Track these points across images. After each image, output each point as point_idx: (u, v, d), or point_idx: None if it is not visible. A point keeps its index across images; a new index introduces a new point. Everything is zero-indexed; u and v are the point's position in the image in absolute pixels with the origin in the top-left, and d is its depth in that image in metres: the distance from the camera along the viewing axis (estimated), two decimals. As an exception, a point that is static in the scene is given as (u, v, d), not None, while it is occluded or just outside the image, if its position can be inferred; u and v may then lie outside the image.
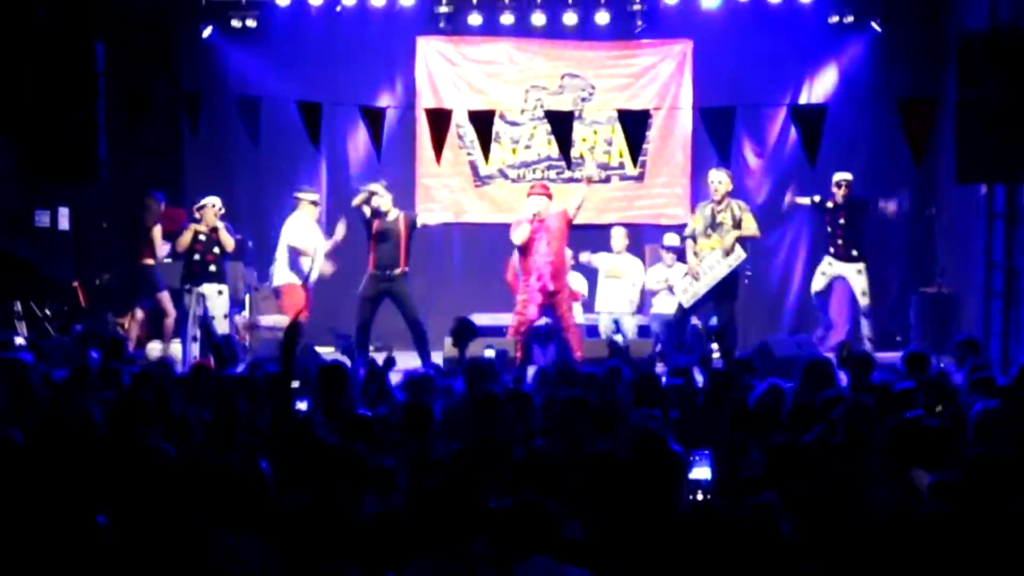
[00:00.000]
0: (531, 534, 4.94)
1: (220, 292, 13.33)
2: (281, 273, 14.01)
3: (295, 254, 13.88)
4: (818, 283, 14.30)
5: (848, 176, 13.94)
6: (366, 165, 15.83)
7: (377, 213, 13.21)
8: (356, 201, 13.32)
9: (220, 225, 13.37)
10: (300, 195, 14.13)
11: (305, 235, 13.87)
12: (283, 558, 5.21)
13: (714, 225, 13.09)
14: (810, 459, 6.50)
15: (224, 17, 15.87)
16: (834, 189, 13.92)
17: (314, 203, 14.02)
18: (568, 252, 13.56)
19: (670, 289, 13.88)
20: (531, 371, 11.95)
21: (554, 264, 12.82)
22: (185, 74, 16.04)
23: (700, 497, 5.23)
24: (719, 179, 13.10)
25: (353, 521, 5.55)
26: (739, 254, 13.04)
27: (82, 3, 15.02)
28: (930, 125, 10.60)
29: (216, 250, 13.32)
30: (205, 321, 12.31)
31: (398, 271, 13.18)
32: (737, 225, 13.05)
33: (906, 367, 9.46)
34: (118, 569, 5.00)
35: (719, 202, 13.10)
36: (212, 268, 13.29)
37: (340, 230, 13.79)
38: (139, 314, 14.48)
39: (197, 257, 13.27)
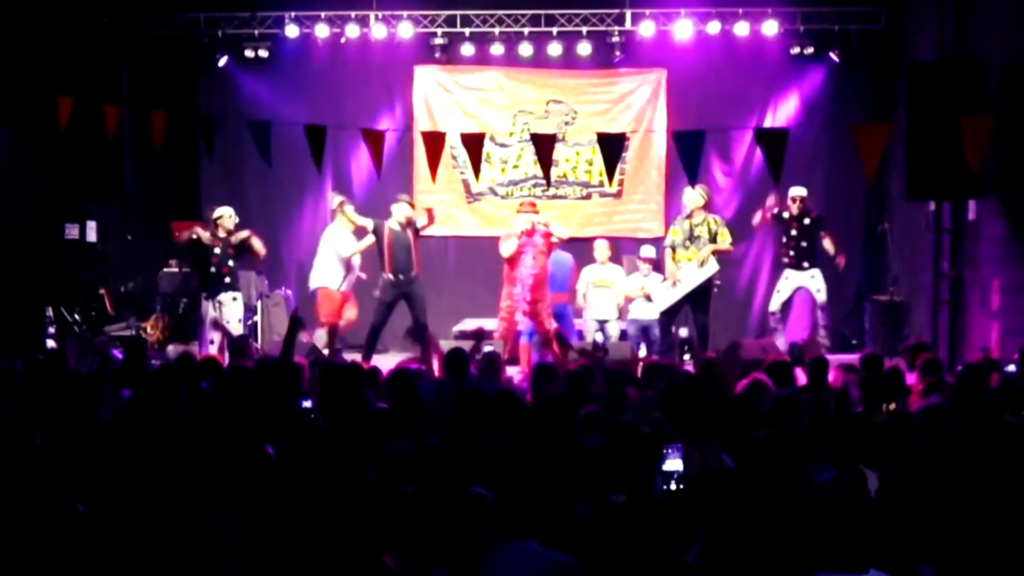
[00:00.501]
0: (518, 520, 5.00)
1: (235, 299, 13.32)
2: (318, 277, 13.99)
3: (345, 262, 13.86)
4: (775, 303, 13.95)
5: (803, 192, 13.82)
6: (367, 182, 15.88)
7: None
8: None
9: (245, 233, 13.25)
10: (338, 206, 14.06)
11: (348, 243, 13.84)
12: (285, 534, 5.21)
13: (692, 238, 13.29)
14: (782, 454, 6.55)
15: (238, 47, 15.93)
16: (789, 203, 13.83)
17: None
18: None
19: (647, 297, 13.93)
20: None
21: (536, 277, 13.00)
22: (202, 99, 16.10)
23: (672, 487, 5.24)
24: (689, 197, 13.30)
25: (355, 501, 5.58)
26: (712, 265, 13.24)
27: (109, 33, 15.13)
28: (882, 147, 10.66)
29: (231, 263, 13.25)
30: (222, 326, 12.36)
31: (413, 274, 13.26)
32: (713, 238, 13.26)
33: (862, 367, 9.54)
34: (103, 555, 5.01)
35: (693, 216, 13.27)
36: (227, 280, 13.24)
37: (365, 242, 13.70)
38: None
39: (213, 270, 13.24)
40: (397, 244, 13.22)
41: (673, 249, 13.41)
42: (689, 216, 13.36)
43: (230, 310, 13.14)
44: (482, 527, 5.11)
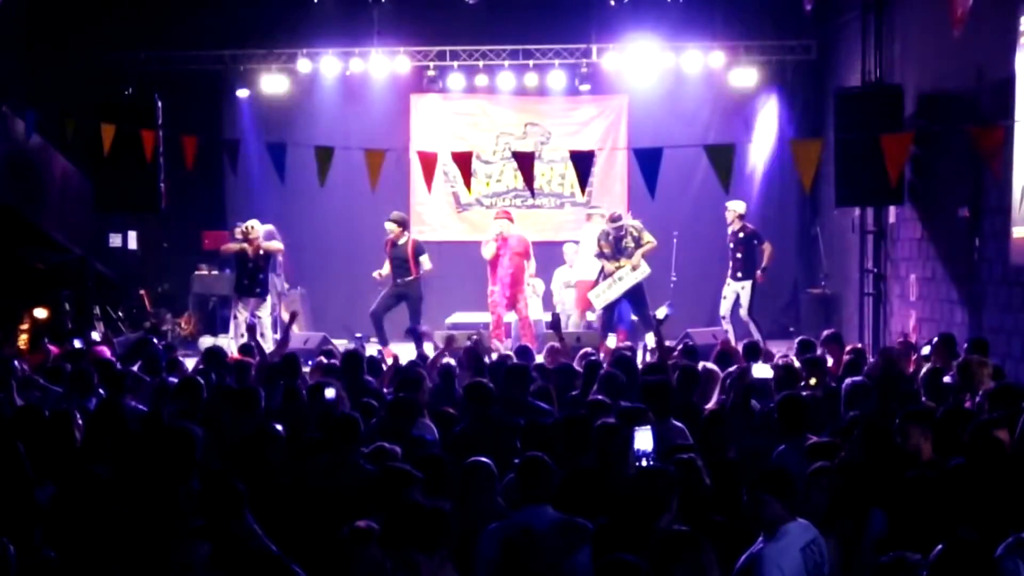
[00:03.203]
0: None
1: (265, 300, 13.45)
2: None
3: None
4: (724, 307, 13.48)
5: (738, 206, 13.42)
6: (371, 196, 15.70)
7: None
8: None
9: (271, 244, 13.71)
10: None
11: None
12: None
13: (620, 249, 13.07)
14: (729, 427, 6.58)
15: (257, 79, 15.89)
16: (726, 215, 13.58)
17: None
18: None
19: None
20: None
21: (513, 275, 13.21)
22: (226, 124, 16.01)
23: (644, 464, 5.18)
24: (606, 218, 13.40)
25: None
26: (644, 269, 13.08)
27: (146, 68, 15.07)
28: (816, 160, 10.64)
29: (260, 276, 13.36)
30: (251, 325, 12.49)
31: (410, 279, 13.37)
32: (638, 243, 13.04)
33: (798, 350, 9.60)
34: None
35: (615, 232, 13.11)
36: (258, 289, 13.38)
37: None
38: None
39: (246, 281, 13.33)
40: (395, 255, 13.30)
41: (606, 259, 13.14)
42: (614, 231, 13.13)
43: (262, 310, 13.48)
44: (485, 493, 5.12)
